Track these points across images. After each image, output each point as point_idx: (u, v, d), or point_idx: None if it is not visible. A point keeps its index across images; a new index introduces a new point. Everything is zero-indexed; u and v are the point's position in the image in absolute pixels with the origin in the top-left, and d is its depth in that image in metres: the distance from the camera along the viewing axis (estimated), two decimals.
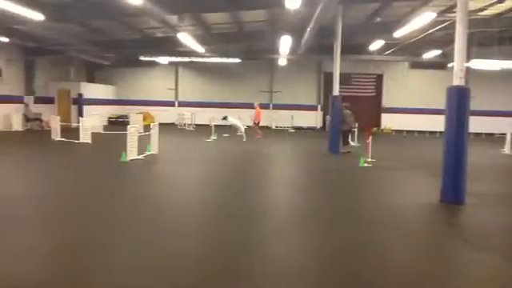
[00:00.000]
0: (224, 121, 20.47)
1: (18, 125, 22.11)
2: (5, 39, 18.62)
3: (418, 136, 26.69)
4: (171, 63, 29.00)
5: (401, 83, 29.43)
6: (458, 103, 8.08)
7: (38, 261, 5.05)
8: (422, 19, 14.28)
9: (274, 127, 29.20)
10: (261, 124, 21.79)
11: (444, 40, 20.72)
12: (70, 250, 5.37)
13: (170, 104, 30.70)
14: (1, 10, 12.21)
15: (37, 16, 13.00)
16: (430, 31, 18.49)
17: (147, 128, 15.86)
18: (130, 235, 5.99)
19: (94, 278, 4.53)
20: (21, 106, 22.92)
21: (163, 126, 16.27)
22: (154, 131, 14.41)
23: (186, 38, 18.20)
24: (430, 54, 24.30)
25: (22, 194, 8.33)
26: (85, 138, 17.23)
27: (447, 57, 23.21)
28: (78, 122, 18.57)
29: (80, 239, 5.76)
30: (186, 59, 25.79)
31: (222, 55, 25.28)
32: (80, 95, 25.74)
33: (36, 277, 4.53)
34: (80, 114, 24.12)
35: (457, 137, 8.12)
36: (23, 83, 23.40)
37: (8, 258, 5.01)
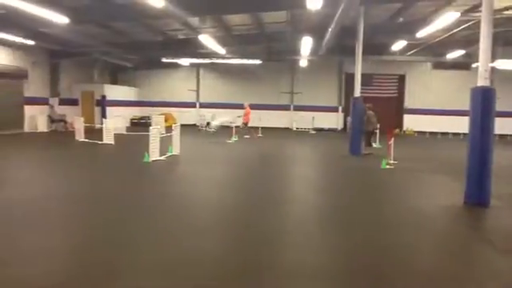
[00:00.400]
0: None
1: (43, 126, 22.56)
2: (31, 42, 19.03)
3: (441, 137, 26.30)
4: (192, 65, 29.23)
5: (423, 84, 29.04)
6: (483, 104, 7.94)
7: (61, 260, 5.15)
8: (446, 19, 14.08)
9: (294, 129, 29.14)
10: (250, 124, 22.38)
11: (468, 40, 20.39)
12: (94, 248, 5.46)
13: (192, 105, 30.92)
14: (27, 13, 12.46)
15: (61, 19, 13.25)
16: (454, 31, 18.22)
17: (169, 129, 15.99)
18: (152, 234, 6.06)
19: (117, 277, 4.59)
20: (46, 107, 23.39)
21: (184, 127, 16.42)
22: (176, 132, 14.54)
23: (207, 40, 18.32)
24: (454, 54, 23.92)
25: (47, 194, 8.50)
26: (108, 139, 17.48)
27: (471, 57, 22.82)
28: (102, 124, 18.86)
29: (103, 238, 5.85)
30: (207, 61, 25.98)
31: (242, 56, 25.37)
32: (103, 97, 26.14)
33: (58, 276, 4.62)
34: (103, 115, 24.48)
35: (481, 138, 7.98)
36: (48, 85, 23.87)
37: (33, 256, 5.12)
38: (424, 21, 16.70)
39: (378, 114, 16.54)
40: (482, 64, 7.98)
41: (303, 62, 26.69)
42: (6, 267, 4.75)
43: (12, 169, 11.75)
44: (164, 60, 26.26)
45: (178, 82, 31.06)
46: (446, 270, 5.11)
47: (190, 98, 30.96)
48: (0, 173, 10.87)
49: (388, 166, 12.90)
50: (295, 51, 23.18)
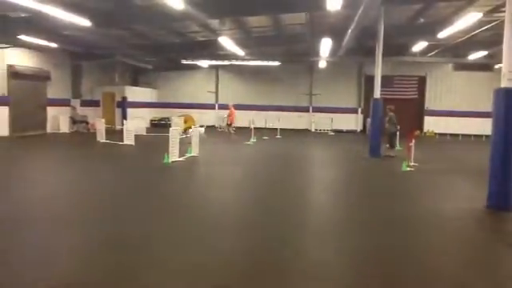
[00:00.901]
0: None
1: (65, 127, 22.94)
2: (54, 45, 19.38)
3: (462, 139, 25.90)
4: (212, 66, 29.38)
5: (445, 85, 28.66)
6: (507, 105, 7.81)
7: (83, 259, 5.24)
8: (467, 20, 13.88)
9: (313, 130, 29.05)
10: (236, 124, 22.39)
11: (491, 40, 20.04)
12: (116, 247, 5.55)
13: (211, 107, 31.07)
14: (51, 17, 12.70)
15: (84, 22, 13.47)
16: (476, 32, 17.95)
17: (188, 130, 16.10)
18: (172, 233, 6.13)
19: (137, 276, 4.66)
20: (68, 108, 23.80)
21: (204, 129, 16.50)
22: (195, 133, 14.64)
23: (226, 42, 18.41)
24: (476, 55, 23.56)
25: (69, 193, 8.67)
26: (128, 139, 17.69)
27: (494, 58, 22.47)
28: (122, 125, 19.10)
29: (125, 236, 5.94)
30: (227, 62, 26.08)
31: (261, 58, 25.39)
32: (124, 98, 26.46)
33: (80, 275, 4.71)
34: (124, 116, 24.78)
35: (505, 140, 7.86)
36: (70, 87, 24.29)
37: (56, 255, 5.23)
38: (445, 21, 16.48)
39: (397, 115, 16.36)
40: (506, 65, 7.85)
41: (322, 64, 26.57)
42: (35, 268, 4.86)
43: (39, 169, 11.99)
44: (184, 62, 26.46)
45: (197, 84, 31.25)
46: (467, 273, 5.05)
47: (209, 99, 31.11)
48: (30, 173, 11.10)
49: (408, 169, 12.78)
50: (314, 52, 23.11)
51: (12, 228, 6.21)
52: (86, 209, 7.53)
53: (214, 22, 17.50)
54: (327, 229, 6.75)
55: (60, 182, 10.18)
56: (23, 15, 15.01)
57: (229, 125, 22.01)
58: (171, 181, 10.69)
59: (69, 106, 23.93)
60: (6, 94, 19.47)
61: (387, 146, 15.79)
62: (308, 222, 7.15)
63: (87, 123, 23.95)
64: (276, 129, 24.68)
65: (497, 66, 24.18)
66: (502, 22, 8.01)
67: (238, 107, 29.56)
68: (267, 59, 25.60)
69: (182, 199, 8.44)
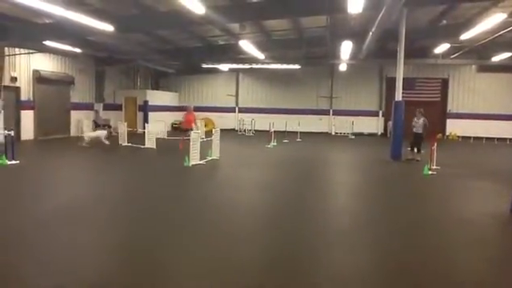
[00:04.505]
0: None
1: (88, 130, 23.25)
2: (78, 50, 19.76)
3: (485, 143, 25.44)
4: (232, 70, 29.52)
5: (468, 87, 28.19)
6: None
7: (109, 258, 5.33)
8: (492, 21, 13.66)
9: (333, 133, 28.91)
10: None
11: None
12: (134, 251, 5.63)
13: (231, 110, 31.20)
14: (76, 22, 12.96)
15: (107, 27, 13.70)
16: (500, 33, 17.64)
17: (209, 134, 16.19)
18: (192, 237, 6.18)
19: (160, 278, 4.71)
20: (91, 112, 24.19)
21: (224, 132, 16.56)
22: (216, 137, 14.72)
23: (246, 45, 18.50)
24: (500, 57, 23.15)
25: (94, 195, 8.81)
26: (150, 143, 17.88)
27: None
28: (144, 128, 19.31)
29: (146, 240, 6.01)
30: (247, 66, 26.17)
31: (281, 61, 25.39)
32: (145, 102, 26.77)
33: (103, 275, 4.79)
34: (145, 120, 25.07)
35: None
36: (93, 91, 24.71)
37: (74, 259, 5.33)
38: (469, 23, 16.26)
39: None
40: None
41: (343, 66, 26.44)
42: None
43: (65, 171, 12.21)
44: (204, 66, 26.65)
45: (217, 87, 31.45)
46: (490, 279, 4.97)
47: (230, 102, 31.25)
48: (61, 174, 11.33)
49: (431, 172, 12.61)
50: (335, 55, 23.04)
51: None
52: (101, 212, 7.65)
53: (235, 26, 17.61)
54: (344, 232, 6.71)
55: (87, 184, 10.38)
56: (48, 21, 15.37)
57: (185, 130, 18.22)
58: (190, 184, 10.75)
59: (92, 109, 24.33)
60: (32, 99, 19.91)
61: (408, 149, 15.47)
62: (328, 227, 7.11)
63: (110, 127, 24.29)
64: (296, 132, 24.62)
65: None
66: None
67: (258, 110, 29.86)
68: (287, 62, 25.59)
69: (201, 202, 8.50)
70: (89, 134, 19.02)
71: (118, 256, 5.48)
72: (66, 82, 22.15)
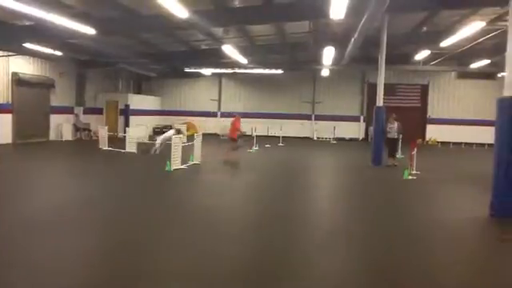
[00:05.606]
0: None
1: (68, 134, 22.98)
2: (59, 53, 19.47)
3: (464, 148, 25.84)
4: (215, 74, 29.44)
5: (447, 93, 28.68)
6: (510, 114, 7.80)
7: (84, 266, 5.25)
8: (471, 28, 13.92)
9: (315, 138, 29.04)
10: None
11: (494, 49, 20.06)
12: (115, 255, 5.55)
13: (213, 115, 31.10)
14: (56, 25, 12.78)
15: (89, 30, 13.55)
16: (479, 40, 17.98)
17: (191, 138, 16.11)
18: (173, 240, 6.13)
19: (138, 282, 4.66)
20: (71, 116, 23.84)
21: (206, 136, 16.48)
22: (198, 141, 14.65)
23: (230, 50, 18.48)
24: (479, 64, 23.57)
25: (68, 200, 8.67)
26: (131, 147, 17.72)
27: (497, 66, 22.44)
28: (125, 132, 19.13)
29: (126, 244, 5.94)
30: (230, 70, 26.14)
31: (264, 66, 25.43)
32: (127, 106, 26.52)
33: (85, 279, 4.71)
34: (126, 124, 24.83)
35: (508, 149, 7.84)
36: (74, 94, 24.35)
37: (54, 265, 5.23)
38: (449, 30, 16.53)
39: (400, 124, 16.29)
40: (509, 73, 7.86)
41: (325, 72, 26.60)
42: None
43: (41, 177, 11.99)
44: (187, 70, 26.56)
45: (200, 92, 31.32)
46: (468, 282, 5.03)
47: (212, 107, 31.16)
48: (34, 180, 11.12)
49: (410, 177, 12.75)
50: (317, 61, 23.17)
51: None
52: (84, 216, 7.53)
53: (218, 31, 17.58)
54: (324, 237, 6.73)
55: (62, 189, 10.21)
56: (28, 23, 15.12)
57: (231, 139, 16.41)
58: (171, 188, 10.67)
59: (72, 113, 23.98)
60: (10, 102, 19.55)
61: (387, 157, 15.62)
62: (308, 233, 7.12)
63: (90, 131, 24.02)
64: (278, 137, 24.68)
65: (500, 75, 24.16)
66: (506, 30, 8.03)
67: (240, 115, 29.68)
68: (270, 67, 25.65)
69: (180, 206, 8.43)
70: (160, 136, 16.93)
71: (91, 261, 5.40)
72: (46, 85, 21.79)
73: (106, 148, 18.49)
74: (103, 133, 19.26)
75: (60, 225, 6.85)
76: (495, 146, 8.08)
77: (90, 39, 16.75)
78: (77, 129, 23.81)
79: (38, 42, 17.31)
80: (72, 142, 22.14)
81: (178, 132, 16.24)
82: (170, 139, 14.37)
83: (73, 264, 5.20)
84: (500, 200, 7.94)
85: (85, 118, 24.58)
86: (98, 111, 26.35)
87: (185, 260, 5.43)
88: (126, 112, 26.42)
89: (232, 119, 16.93)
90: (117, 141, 19.54)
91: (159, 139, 16.75)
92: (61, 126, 22.77)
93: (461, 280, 5.09)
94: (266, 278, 4.94)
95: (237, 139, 16.02)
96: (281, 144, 23.35)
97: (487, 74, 26.20)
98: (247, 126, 25.00)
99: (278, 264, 5.41)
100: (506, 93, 7.85)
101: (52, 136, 22.48)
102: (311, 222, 7.77)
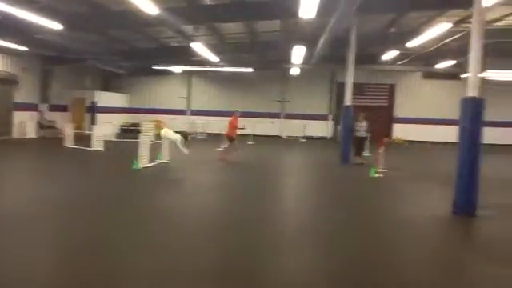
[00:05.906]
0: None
1: (32, 132, 22.35)
2: (24, 48, 18.86)
3: (430, 146, 26.45)
4: (185, 72, 29.18)
5: (413, 93, 29.29)
6: (473, 114, 8.02)
7: (51, 267, 5.10)
8: (437, 30, 14.24)
9: (284, 137, 29.17)
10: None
11: (459, 50, 20.58)
12: (81, 256, 5.42)
13: (183, 113, 30.82)
14: (21, 19, 12.40)
15: (55, 25, 13.20)
16: (445, 41, 18.41)
17: (159, 136, 15.89)
18: (141, 240, 6.03)
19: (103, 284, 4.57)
20: (35, 113, 23.19)
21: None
22: (166, 140, 14.48)
23: (200, 48, 18.34)
24: (444, 64, 24.17)
25: (36, 200, 8.43)
26: (97, 145, 17.38)
27: (462, 67, 23.04)
28: (91, 130, 18.76)
29: (92, 243, 5.81)
30: (200, 68, 25.97)
31: (235, 64, 25.39)
32: (93, 103, 25.99)
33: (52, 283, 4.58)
34: (93, 121, 24.33)
35: (470, 148, 8.06)
36: (38, 91, 23.66)
37: (17, 264, 5.07)
38: (416, 31, 16.86)
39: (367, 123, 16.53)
40: (472, 74, 8.07)
41: (295, 71, 26.74)
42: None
43: (2, 176, 11.63)
44: (156, 67, 26.22)
45: (169, 89, 30.96)
46: (431, 278, 5.13)
47: (181, 105, 30.87)
48: None
49: (377, 175, 12.95)
50: (288, 60, 23.25)
51: None
52: (47, 217, 7.34)
53: (188, 28, 17.44)
54: (291, 236, 6.76)
55: (22, 189, 9.90)
56: None
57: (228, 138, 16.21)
58: (138, 187, 10.49)
59: (36, 110, 23.32)
60: None
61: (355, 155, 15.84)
62: (275, 233, 7.13)
63: (55, 128, 23.41)
64: (248, 135, 24.63)
65: (464, 75, 24.80)
66: (470, 32, 8.23)
67: (211, 113, 29.62)
68: (241, 66, 25.62)
69: (147, 205, 8.32)
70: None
71: (52, 260, 5.30)
72: (8, 81, 21.11)
73: (72, 146, 18.08)
74: (69, 130, 18.82)
75: (20, 225, 6.63)
76: (459, 145, 8.28)
77: (57, 34, 16.34)
78: (41, 126, 23.17)
79: (2, 37, 16.74)
80: (36, 140, 21.53)
81: (186, 137, 15.32)
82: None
83: (33, 265, 5.04)
84: (462, 198, 8.14)
85: (50, 116, 23.94)
86: (64, 108, 25.72)
87: (150, 257, 5.34)
88: (93, 109, 25.89)
89: (230, 118, 16.60)
90: (83, 138, 19.13)
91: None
92: (24, 124, 22.13)
93: (425, 277, 5.18)
94: (231, 274, 4.92)
95: (235, 138, 15.75)
96: (250, 142, 23.32)
97: (452, 75, 26.83)
98: (217, 125, 25.00)
99: (244, 261, 5.40)
100: (470, 93, 8.06)
101: (15, 133, 21.80)
102: (279, 220, 7.79)
